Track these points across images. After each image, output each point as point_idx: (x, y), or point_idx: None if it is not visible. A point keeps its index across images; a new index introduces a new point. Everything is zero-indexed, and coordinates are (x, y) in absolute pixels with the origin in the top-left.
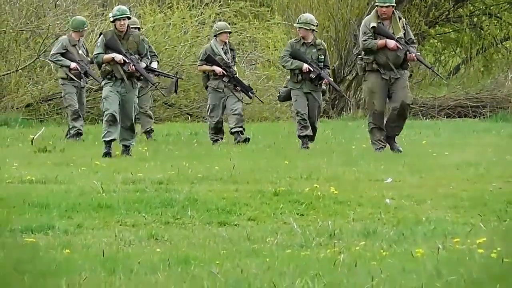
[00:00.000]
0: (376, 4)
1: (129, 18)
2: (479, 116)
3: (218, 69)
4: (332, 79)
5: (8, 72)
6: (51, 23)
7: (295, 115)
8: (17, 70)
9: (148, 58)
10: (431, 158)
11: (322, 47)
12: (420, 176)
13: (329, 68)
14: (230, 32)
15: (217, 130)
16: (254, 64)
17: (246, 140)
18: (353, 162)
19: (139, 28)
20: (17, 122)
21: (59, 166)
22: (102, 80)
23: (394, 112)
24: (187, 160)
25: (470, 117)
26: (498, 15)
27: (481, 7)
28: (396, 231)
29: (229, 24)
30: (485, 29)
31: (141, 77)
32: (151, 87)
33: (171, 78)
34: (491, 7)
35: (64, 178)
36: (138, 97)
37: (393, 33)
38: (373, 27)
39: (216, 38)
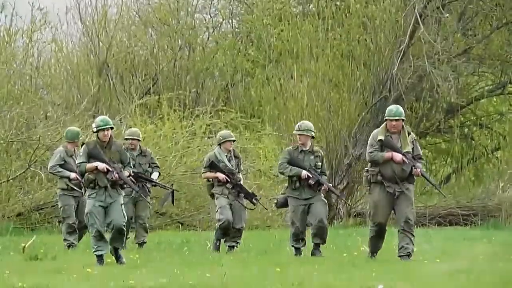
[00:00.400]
0: (386, 118)
1: (111, 128)
2: (470, 224)
3: (221, 176)
4: (331, 185)
5: None
6: (42, 134)
7: (290, 225)
8: (8, 180)
9: (130, 167)
10: (422, 265)
11: (320, 154)
12: (412, 284)
13: (325, 175)
14: (234, 141)
15: (225, 231)
16: (245, 174)
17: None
18: (344, 269)
19: (139, 140)
20: (8, 230)
21: (51, 274)
22: (85, 191)
23: (399, 229)
24: (178, 268)
25: (461, 225)
26: (489, 125)
27: (471, 118)
28: None
29: None
30: (476, 140)
31: (125, 185)
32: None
33: (166, 189)
34: (482, 118)
35: (55, 286)
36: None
37: (400, 146)
38: (380, 140)
39: (220, 147)
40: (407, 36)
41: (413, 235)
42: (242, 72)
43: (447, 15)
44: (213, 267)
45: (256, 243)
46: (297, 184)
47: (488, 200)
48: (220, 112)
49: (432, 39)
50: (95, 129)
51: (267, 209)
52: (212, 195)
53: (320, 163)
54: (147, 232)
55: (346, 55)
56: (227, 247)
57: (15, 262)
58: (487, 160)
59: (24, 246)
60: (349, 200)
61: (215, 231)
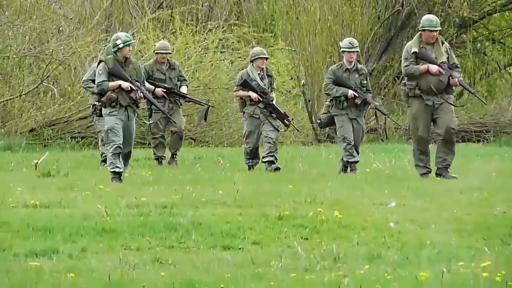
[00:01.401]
0: (424, 28)
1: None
2: (483, 141)
3: (253, 95)
4: (378, 103)
5: (12, 97)
6: (54, 48)
7: (341, 141)
8: (20, 95)
9: (143, 85)
10: (434, 182)
11: (364, 72)
12: (424, 200)
13: (370, 92)
14: (267, 58)
15: (252, 155)
16: None
17: (277, 169)
18: (357, 186)
19: (169, 53)
20: (20, 147)
21: (63, 191)
22: (103, 108)
23: (439, 139)
24: (191, 185)
25: (474, 142)
26: (502, 40)
27: (484, 33)
28: (400, 255)
29: (232, 50)
30: (489, 55)
31: (139, 104)
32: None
33: (202, 105)
34: (495, 33)
35: (68, 203)
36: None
37: (435, 57)
38: (414, 52)
39: (252, 64)
40: None
41: (453, 145)
42: None
43: None
44: (225, 184)
45: None
46: (345, 103)
47: (501, 116)
48: (232, 27)
49: None
50: (121, 45)
51: (299, 131)
52: (244, 113)
53: (365, 81)
54: (181, 140)
55: None
56: (266, 163)
57: (28, 179)
58: (500, 75)
59: (37, 163)
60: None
61: (244, 154)
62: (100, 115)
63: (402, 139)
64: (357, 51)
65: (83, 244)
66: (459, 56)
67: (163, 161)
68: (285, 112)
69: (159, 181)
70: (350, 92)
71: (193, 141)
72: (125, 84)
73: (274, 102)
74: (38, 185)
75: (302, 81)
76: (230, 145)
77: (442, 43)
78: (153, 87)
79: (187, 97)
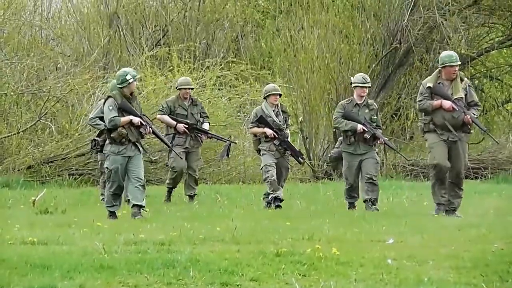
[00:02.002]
0: (445, 65)
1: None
2: (481, 178)
3: (269, 131)
4: (387, 139)
5: (10, 134)
6: (52, 85)
7: (344, 180)
8: (18, 132)
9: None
10: (432, 219)
11: (374, 107)
12: (422, 237)
13: (381, 128)
14: (280, 95)
15: (277, 186)
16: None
17: (279, 206)
18: (355, 223)
19: (192, 89)
20: (18, 184)
21: (61, 227)
22: (111, 144)
23: (448, 180)
24: (188, 221)
25: (472, 179)
26: (499, 77)
27: (482, 70)
28: None
29: (230, 87)
30: (486, 92)
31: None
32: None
33: (224, 141)
34: (492, 70)
35: (66, 239)
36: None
37: (452, 94)
38: (429, 87)
39: (266, 101)
40: None
41: (461, 189)
42: (253, 23)
43: None
44: (223, 221)
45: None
46: (352, 139)
47: (499, 153)
48: (230, 64)
49: None
50: (131, 80)
51: (313, 169)
52: (259, 151)
53: (375, 116)
54: (197, 184)
55: (356, 6)
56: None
57: (26, 216)
58: (497, 112)
59: (34, 200)
60: None
61: (267, 189)
62: (101, 151)
63: (400, 176)
64: (369, 87)
65: (81, 281)
66: None
67: (172, 191)
68: (299, 150)
69: (157, 218)
70: (359, 127)
71: None
72: (136, 119)
73: (289, 139)
74: (36, 222)
75: (300, 118)
76: (228, 182)
77: (462, 80)
78: (174, 123)
79: (209, 133)
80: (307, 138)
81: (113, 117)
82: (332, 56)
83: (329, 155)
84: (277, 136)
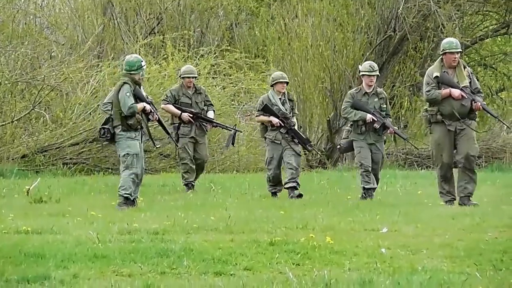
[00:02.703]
0: (445, 51)
1: None
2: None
3: (275, 120)
4: (396, 128)
5: (4, 123)
6: (46, 74)
7: (358, 167)
8: (12, 121)
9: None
10: (426, 208)
11: (384, 96)
12: (416, 226)
13: (390, 117)
14: (287, 82)
15: (275, 182)
16: (249, 115)
17: (300, 196)
18: (349, 212)
19: (196, 77)
20: (12, 173)
21: (55, 217)
22: (124, 131)
23: (459, 166)
24: (182, 211)
25: None
26: (493, 66)
27: (476, 58)
28: (392, 281)
29: (224, 75)
30: (480, 80)
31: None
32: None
33: (229, 130)
34: (486, 58)
35: (60, 229)
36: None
37: (457, 82)
38: (436, 76)
39: (273, 89)
40: None
41: (474, 173)
42: (247, 11)
43: None
44: (217, 210)
45: (260, 185)
46: (363, 128)
47: (493, 141)
48: (224, 52)
49: None
50: (145, 66)
51: (320, 155)
52: (265, 139)
53: (385, 105)
54: (203, 170)
55: None
56: (288, 189)
57: (20, 205)
58: (492, 100)
59: (29, 189)
60: None
61: (267, 181)
62: (111, 140)
63: (394, 165)
64: (377, 75)
65: (75, 270)
66: None
67: (192, 186)
68: (307, 137)
69: (150, 207)
70: (369, 116)
71: None
72: (148, 106)
73: (296, 127)
74: (30, 211)
75: None
76: (222, 171)
77: (464, 67)
78: (179, 112)
79: (214, 122)
80: (301, 127)
81: (132, 104)
82: (326, 45)
83: (338, 146)
84: (283, 124)
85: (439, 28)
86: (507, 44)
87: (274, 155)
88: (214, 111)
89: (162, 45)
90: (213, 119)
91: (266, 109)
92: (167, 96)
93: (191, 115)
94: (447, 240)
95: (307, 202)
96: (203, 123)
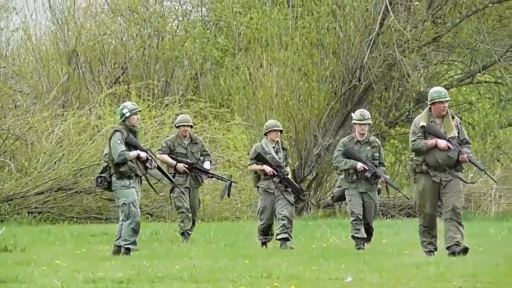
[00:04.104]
0: (434, 101)
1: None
2: (439, 216)
3: (268, 169)
4: (388, 177)
5: None
6: (11, 123)
7: (349, 215)
8: None
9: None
10: (391, 257)
11: (377, 145)
12: (381, 275)
13: (384, 166)
14: (281, 131)
15: (267, 232)
16: (214, 164)
17: (291, 248)
18: (314, 260)
19: (191, 126)
20: None
21: (20, 265)
22: (119, 179)
23: (445, 218)
24: (147, 259)
25: None
26: (458, 115)
27: None
28: None
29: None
30: None
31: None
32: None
33: (224, 181)
34: (451, 108)
35: (25, 277)
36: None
37: (445, 132)
38: (422, 126)
39: (266, 137)
40: (377, 24)
41: (461, 225)
42: (212, 61)
43: (417, 2)
44: (182, 259)
45: (225, 234)
46: (354, 177)
47: None
48: (189, 102)
49: (402, 27)
50: (128, 114)
51: (315, 205)
52: (258, 188)
53: (377, 154)
54: (194, 225)
55: (315, 44)
56: (280, 240)
57: None
58: None
59: None
60: (319, 191)
61: (257, 230)
62: (108, 188)
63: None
64: (368, 123)
65: None
66: None
67: (188, 235)
68: (301, 187)
69: (115, 256)
70: (359, 165)
71: (150, 216)
72: (143, 154)
73: (289, 176)
74: None
75: None
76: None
77: (453, 117)
78: (174, 162)
79: (210, 173)
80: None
81: (123, 151)
82: (291, 94)
83: (331, 195)
84: (276, 173)
85: (404, 78)
86: (472, 94)
87: (267, 205)
88: (210, 161)
89: (127, 95)
90: (208, 169)
91: (259, 158)
92: (162, 146)
93: (187, 166)
94: None
95: (272, 251)
96: (199, 174)
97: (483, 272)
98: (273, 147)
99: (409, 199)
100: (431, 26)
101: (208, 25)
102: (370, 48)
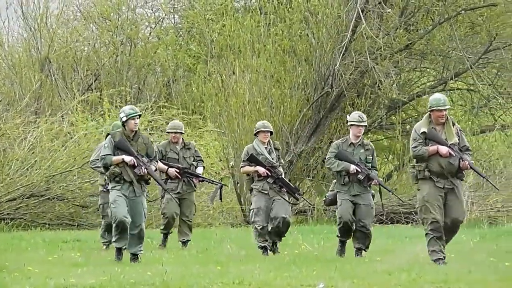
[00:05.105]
0: (433, 108)
1: (139, 116)
2: (412, 222)
3: (261, 170)
4: (382, 180)
5: None
6: None
7: (337, 219)
8: None
9: (157, 161)
10: (363, 263)
11: (370, 148)
12: (352, 281)
13: (376, 170)
14: (271, 132)
15: (264, 234)
16: None
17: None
18: (286, 267)
19: (182, 133)
20: None
21: None
22: (109, 183)
23: (445, 227)
24: (119, 266)
25: (403, 223)
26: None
27: (413, 115)
28: None
29: (161, 131)
30: None
31: (150, 180)
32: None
33: (215, 184)
34: (424, 115)
35: None
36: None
37: (446, 139)
38: (423, 132)
39: (257, 138)
40: (349, 31)
41: (454, 234)
42: (184, 67)
43: (389, 10)
44: (153, 265)
45: (197, 241)
46: (346, 179)
47: None
48: (161, 109)
49: (374, 34)
50: (124, 118)
51: (312, 205)
52: (251, 190)
53: (371, 157)
54: (191, 231)
55: (288, 51)
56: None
57: None
58: None
59: None
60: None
61: (254, 235)
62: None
63: (331, 220)
64: (365, 126)
65: None
66: (388, 137)
67: (168, 237)
68: (295, 186)
69: (87, 263)
70: (352, 167)
71: None
72: (128, 158)
73: (283, 176)
74: None
75: (231, 163)
76: (158, 227)
77: (453, 124)
78: (166, 167)
79: (200, 177)
80: (237, 182)
81: (105, 155)
82: (264, 101)
83: (324, 198)
84: (270, 174)
85: (377, 85)
86: None
87: (261, 205)
88: (204, 167)
89: (99, 102)
90: (199, 174)
91: (252, 159)
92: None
93: (178, 171)
94: None
95: (244, 258)
96: (191, 179)
97: (454, 278)
98: (266, 148)
99: (403, 202)
100: (403, 33)
101: (181, 32)
102: (342, 55)
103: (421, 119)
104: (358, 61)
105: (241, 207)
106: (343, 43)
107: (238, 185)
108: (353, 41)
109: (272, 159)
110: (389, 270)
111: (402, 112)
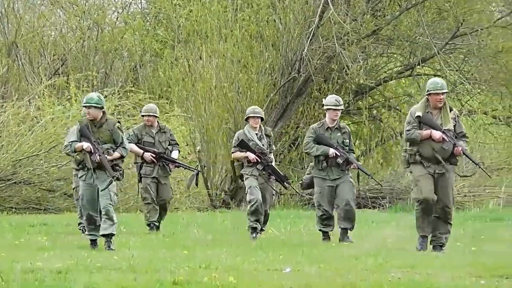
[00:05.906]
0: (430, 92)
1: (101, 108)
2: (379, 207)
3: (251, 156)
4: (360, 164)
5: None
6: None
7: (316, 207)
8: None
9: (124, 148)
10: (330, 248)
11: (347, 131)
12: (319, 266)
13: (354, 152)
14: (262, 118)
15: (258, 214)
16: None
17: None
18: (252, 252)
19: (156, 116)
20: None
21: None
22: (77, 171)
23: (435, 215)
24: (86, 250)
25: (370, 208)
26: (397, 107)
27: (380, 100)
28: None
29: (128, 116)
30: (384, 122)
31: (117, 167)
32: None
33: (191, 170)
34: (391, 100)
35: None
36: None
37: (441, 124)
38: (418, 116)
39: (248, 124)
40: (317, 16)
41: (449, 223)
42: (151, 52)
43: None
44: (120, 249)
45: (164, 225)
46: (324, 164)
47: (396, 182)
48: (128, 93)
49: (341, 19)
50: (84, 104)
51: (299, 193)
52: (241, 176)
53: (348, 140)
54: (166, 213)
55: (255, 36)
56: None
57: None
58: (396, 142)
59: None
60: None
61: (247, 214)
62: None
63: (298, 205)
64: (342, 109)
65: None
66: (355, 122)
67: (155, 226)
68: (285, 174)
69: (54, 247)
70: (332, 151)
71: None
72: (86, 145)
73: (273, 163)
74: None
75: (198, 148)
76: (125, 211)
77: (451, 109)
78: (141, 151)
79: (177, 162)
80: (204, 167)
81: (70, 141)
82: (230, 86)
83: (301, 181)
84: (260, 160)
85: (344, 70)
86: (411, 86)
87: (254, 183)
88: (179, 151)
89: (66, 86)
90: (176, 159)
91: (242, 145)
92: (129, 135)
93: (154, 155)
94: (350, 280)
95: (210, 242)
96: (166, 163)
97: (422, 264)
98: (256, 134)
99: (381, 186)
100: (370, 19)
101: (148, 17)
102: (310, 41)
103: (416, 104)
104: (325, 46)
105: (208, 191)
106: (311, 29)
107: (205, 169)
108: (321, 26)
109: (263, 145)
110: (356, 255)
111: (369, 97)
